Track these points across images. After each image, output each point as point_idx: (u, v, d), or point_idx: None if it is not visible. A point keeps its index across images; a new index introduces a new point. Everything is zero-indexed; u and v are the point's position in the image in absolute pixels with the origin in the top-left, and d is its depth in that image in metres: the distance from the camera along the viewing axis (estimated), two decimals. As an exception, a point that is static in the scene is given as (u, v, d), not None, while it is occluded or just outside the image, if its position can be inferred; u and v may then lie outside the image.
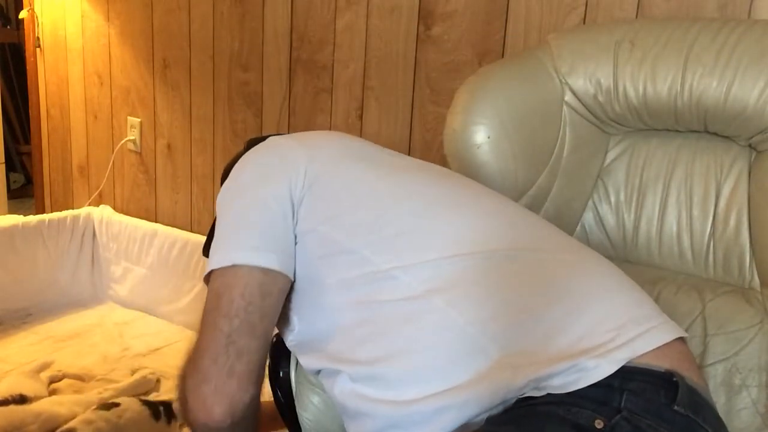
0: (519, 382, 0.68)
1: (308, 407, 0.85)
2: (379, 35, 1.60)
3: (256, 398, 0.76)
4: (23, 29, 2.50)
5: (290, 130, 1.83)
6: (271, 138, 0.92)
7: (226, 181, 0.89)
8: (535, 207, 1.11)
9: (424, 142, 1.59)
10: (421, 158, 1.57)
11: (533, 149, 1.11)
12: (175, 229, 2.08)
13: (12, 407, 1.41)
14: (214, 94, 1.96)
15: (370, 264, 0.77)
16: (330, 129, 1.75)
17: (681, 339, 0.76)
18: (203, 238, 1.08)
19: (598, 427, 0.63)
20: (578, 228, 1.16)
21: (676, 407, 0.66)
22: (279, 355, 0.89)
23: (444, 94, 1.52)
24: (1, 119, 2.35)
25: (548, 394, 0.67)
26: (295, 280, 0.82)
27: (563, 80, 1.10)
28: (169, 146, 2.11)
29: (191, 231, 2.06)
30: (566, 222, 1.14)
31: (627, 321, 0.72)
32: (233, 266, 0.77)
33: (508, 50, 1.40)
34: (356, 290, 0.77)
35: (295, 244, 0.82)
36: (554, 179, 1.12)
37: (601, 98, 1.07)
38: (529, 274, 0.76)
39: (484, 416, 0.69)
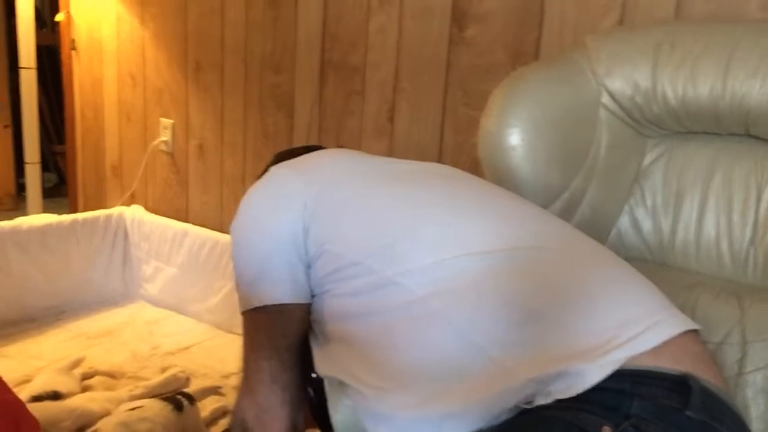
0: (517, 383, 0.67)
1: (341, 408, 0.85)
2: (412, 37, 1.60)
3: (302, 411, 0.91)
4: (58, 31, 2.55)
5: (321, 132, 1.83)
6: (271, 170, 0.98)
7: (234, 221, 0.96)
8: (569, 210, 1.10)
9: (455, 144, 1.59)
10: (451, 162, 1.57)
11: (568, 152, 1.10)
12: (205, 229, 2.10)
13: (47, 403, 1.43)
14: (245, 97, 1.98)
15: (374, 272, 0.80)
16: (360, 131, 1.75)
17: (695, 336, 0.74)
18: (233, 239, 1.12)
19: None
20: (613, 232, 1.14)
21: (688, 412, 0.64)
22: (311, 356, 0.90)
23: (476, 96, 1.52)
24: (38, 120, 2.39)
25: (557, 400, 0.66)
26: (313, 297, 0.89)
27: (600, 82, 1.08)
28: (200, 147, 2.14)
29: (221, 231, 2.08)
30: (601, 226, 1.13)
31: (628, 319, 0.71)
32: (253, 309, 0.89)
33: (542, 52, 1.39)
34: (363, 298, 0.81)
35: (310, 269, 0.88)
36: (589, 182, 1.11)
37: (638, 100, 1.06)
38: (530, 273, 0.76)
39: (493, 424, 0.69)
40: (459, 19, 1.51)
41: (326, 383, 0.88)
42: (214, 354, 1.90)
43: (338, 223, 0.86)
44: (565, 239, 0.84)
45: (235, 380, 1.76)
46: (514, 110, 1.07)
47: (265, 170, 1.12)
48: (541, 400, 0.67)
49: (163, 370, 1.74)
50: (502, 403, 0.68)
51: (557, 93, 1.10)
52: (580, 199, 1.10)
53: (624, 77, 1.07)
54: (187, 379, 1.73)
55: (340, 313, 0.83)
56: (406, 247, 0.80)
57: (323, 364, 0.87)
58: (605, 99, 1.09)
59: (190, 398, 1.50)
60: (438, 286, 0.76)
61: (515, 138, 1.06)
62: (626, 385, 0.65)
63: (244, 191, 2.22)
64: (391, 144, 1.69)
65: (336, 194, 0.89)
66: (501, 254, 0.77)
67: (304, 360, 0.90)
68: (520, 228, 0.83)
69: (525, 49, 1.42)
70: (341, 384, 0.84)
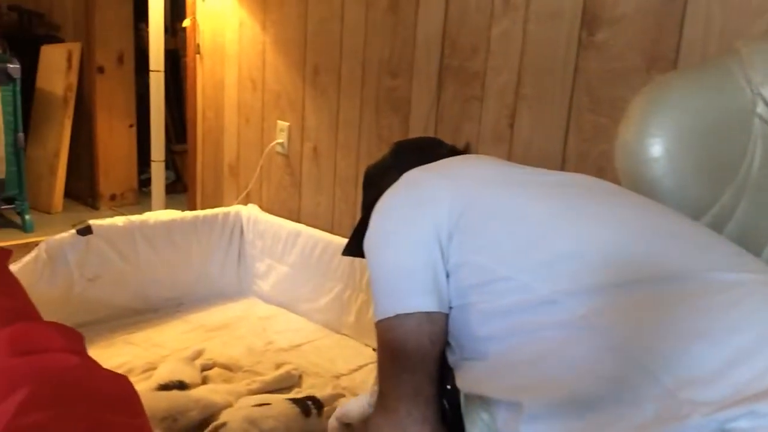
0: (695, 419, 0.63)
1: (477, 423, 0.84)
2: (537, 42, 1.56)
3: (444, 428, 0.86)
4: (179, 36, 2.69)
5: (436, 136, 1.82)
6: (410, 174, 0.93)
7: (371, 228, 0.92)
8: (716, 228, 1.03)
9: (579, 152, 1.54)
10: (575, 169, 1.52)
11: (717, 165, 1.03)
12: (317, 230, 2.14)
13: (174, 392, 1.50)
14: (361, 100, 2.00)
15: (529, 290, 0.77)
16: (478, 136, 1.73)
17: None
18: (344, 240, 1.12)
19: None
20: (765, 253, 1.06)
21: None
22: (446, 368, 0.89)
23: (605, 102, 1.46)
24: (164, 122, 2.52)
25: None
26: (451, 308, 0.85)
27: (756, 90, 1.01)
28: (314, 150, 2.18)
29: (332, 233, 2.11)
30: (750, 246, 1.05)
31: None
32: (397, 316, 0.84)
33: (682, 58, 1.32)
34: (514, 316, 0.78)
35: (448, 277, 0.84)
36: (740, 199, 1.03)
37: (800, 111, 0.98)
38: (701, 298, 0.71)
39: None
40: (590, 22, 1.46)
41: (462, 396, 0.86)
42: (325, 353, 1.93)
43: (485, 233, 0.83)
44: (740, 262, 0.79)
45: (345, 381, 1.79)
46: (656, 119, 1.02)
47: (386, 158, 1.11)
48: None
49: (278, 366, 1.78)
50: None
51: (705, 101, 1.04)
52: (728, 217, 1.03)
53: (784, 86, 0.99)
54: (300, 377, 1.77)
55: (488, 329, 0.80)
56: (566, 265, 0.76)
57: (467, 380, 0.84)
58: (761, 109, 1.01)
59: (319, 405, 1.51)
60: (602, 307, 0.72)
61: (657, 148, 1.01)
62: None
63: (356, 194, 2.25)
64: (510, 150, 1.66)
65: (484, 202, 0.86)
66: (671, 276, 0.73)
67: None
68: (692, 248, 0.78)
69: (663, 55, 1.35)
70: (479, 398, 0.82)
